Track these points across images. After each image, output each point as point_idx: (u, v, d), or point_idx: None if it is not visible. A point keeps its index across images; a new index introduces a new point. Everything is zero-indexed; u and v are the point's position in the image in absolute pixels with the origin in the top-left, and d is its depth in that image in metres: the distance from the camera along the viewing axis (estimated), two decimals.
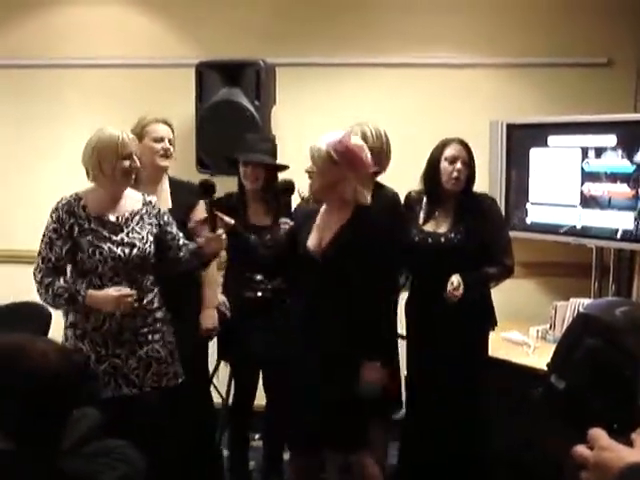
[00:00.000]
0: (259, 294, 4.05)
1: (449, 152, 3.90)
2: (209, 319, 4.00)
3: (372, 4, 5.08)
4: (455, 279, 3.74)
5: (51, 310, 4.24)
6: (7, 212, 5.39)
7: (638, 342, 2.35)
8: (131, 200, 3.47)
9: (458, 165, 3.88)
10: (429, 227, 3.97)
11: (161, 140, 3.93)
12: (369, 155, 3.37)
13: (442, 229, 3.94)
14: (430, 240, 3.93)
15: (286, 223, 3.95)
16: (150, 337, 3.43)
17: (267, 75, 4.74)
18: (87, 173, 3.40)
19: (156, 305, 3.48)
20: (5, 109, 5.37)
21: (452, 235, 3.90)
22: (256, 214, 4.12)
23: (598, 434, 1.54)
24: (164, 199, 3.94)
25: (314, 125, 4.92)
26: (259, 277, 4.03)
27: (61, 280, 3.34)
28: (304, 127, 4.97)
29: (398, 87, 5.10)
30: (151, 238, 3.45)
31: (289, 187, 4.14)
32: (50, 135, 5.34)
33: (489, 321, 4.03)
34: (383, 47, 5.08)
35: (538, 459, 4.18)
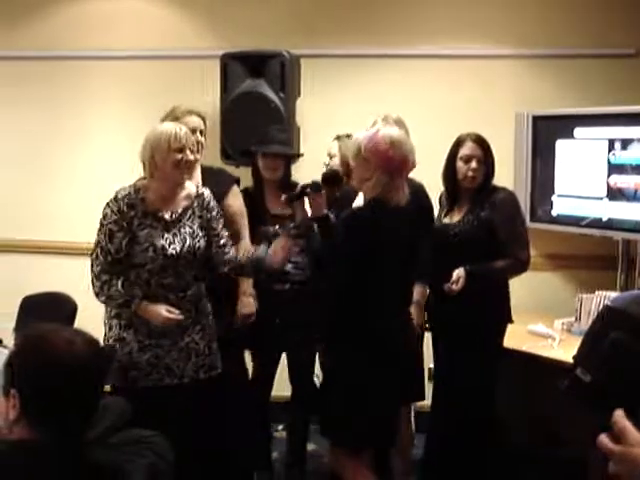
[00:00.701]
0: (287, 287, 4.05)
1: (463, 151, 3.90)
2: (247, 306, 3.99)
3: None
4: (456, 272, 3.74)
5: (77, 301, 4.30)
6: (38, 202, 5.43)
7: None
8: (185, 194, 3.48)
9: (473, 164, 3.88)
10: (447, 220, 4.01)
11: (193, 132, 3.82)
12: (403, 152, 3.33)
13: (454, 221, 3.95)
14: (440, 231, 3.96)
15: None
16: (191, 328, 3.46)
17: (292, 66, 4.74)
18: (143, 167, 3.41)
19: (196, 297, 3.50)
20: (35, 100, 5.41)
21: (462, 226, 3.91)
22: (276, 204, 4.12)
23: (627, 428, 1.53)
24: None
25: (339, 117, 4.93)
26: (287, 268, 4.03)
27: (119, 283, 3.34)
28: (329, 119, 4.97)
29: (423, 79, 5.09)
30: (201, 233, 3.46)
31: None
32: (79, 126, 5.38)
33: (502, 317, 4.00)
34: (408, 38, 5.06)
35: (564, 454, 4.18)
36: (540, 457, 4.31)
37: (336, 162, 4.20)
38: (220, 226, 3.55)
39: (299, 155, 4.28)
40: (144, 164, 3.40)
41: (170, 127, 3.39)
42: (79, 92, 5.35)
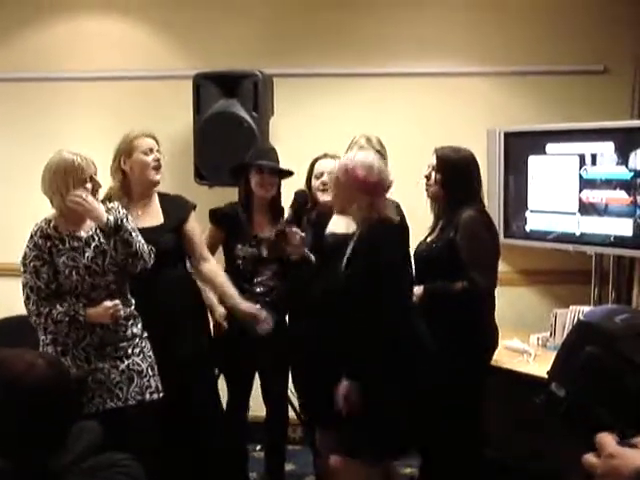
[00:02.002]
0: (258, 307, 4.04)
1: (425, 169, 3.92)
2: (220, 317, 4.03)
3: (369, 15, 5.08)
4: (415, 289, 3.75)
5: None
6: (8, 226, 5.38)
7: (638, 349, 2.35)
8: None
9: (430, 181, 3.88)
10: (428, 239, 3.98)
11: (151, 152, 3.88)
12: (379, 175, 3.41)
13: (429, 240, 3.95)
14: (417, 251, 3.95)
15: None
16: (130, 351, 3.47)
17: (265, 86, 4.75)
18: (51, 201, 3.41)
19: (132, 321, 3.52)
20: (7, 121, 5.38)
21: (433, 246, 3.88)
22: (260, 225, 4.11)
23: (605, 441, 1.54)
24: (155, 213, 3.92)
25: (312, 136, 4.95)
26: (259, 290, 4.03)
27: (58, 306, 3.35)
28: (302, 138, 4.98)
29: (396, 97, 5.11)
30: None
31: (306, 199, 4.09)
32: (52, 147, 5.30)
33: (479, 342, 3.87)
34: (380, 57, 5.09)
35: (543, 468, 4.18)
36: (519, 473, 4.31)
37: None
38: (133, 235, 3.50)
39: (292, 173, 4.24)
40: (50, 199, 3.41)
41: (71, 157, 3.37)
42: (52, 113, 5.32)
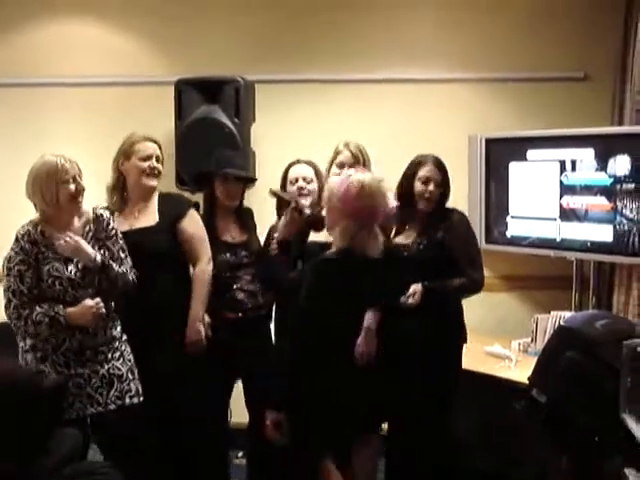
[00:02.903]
0: (240, 315, 4.03)
1: (422, 173, 3.90)
2: (193, 332, 3.88)
3: (350, 21, 5.09)
4: (413, 287, 3.74)
5: None
6: None
7: (618, 354, 2.37)
8: (84, 219, 3.48)
9: (430, 187, 3.88)
10: (398, 240, 3.98)
11: (148, 158, 3.88)
12: (374, 201, 3.40)
13: (407, 242, 3.96)
14: (395, 252, 3.93)
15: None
16: (110, 355, 3.46)
17: (246, 92, 4.75)
18: (35, 206, 3.41)
19: (111, 323, 3.51)
20: None
21: (415, 247, 3.90)
22: (228, 231, 4.10)
23: None
24: (151, 214, 3.91)
25: (294, 142, 4.95)
26: (240, 297, 4.02)
27: (37, 307, 3.32)
28: (284, 144, 4.98)
29: (377, 103, 5.12)
30: (99, 255, 3.43)
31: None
32: (33, 152, 5.27)
33: (460, 336, 3.98)
34: (361, 63, 5.10)
35: (523, 475, 4.20)
36: (498, 478, 4.32)
37: (314, 187, 4.11)
38: (116, 247, 3.53)
39: (255, 180, 4.26)
40: (33, 204, 3.40)
41: (53, 159, 3.36)
42: (33, 119, 5.28)
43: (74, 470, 1.93)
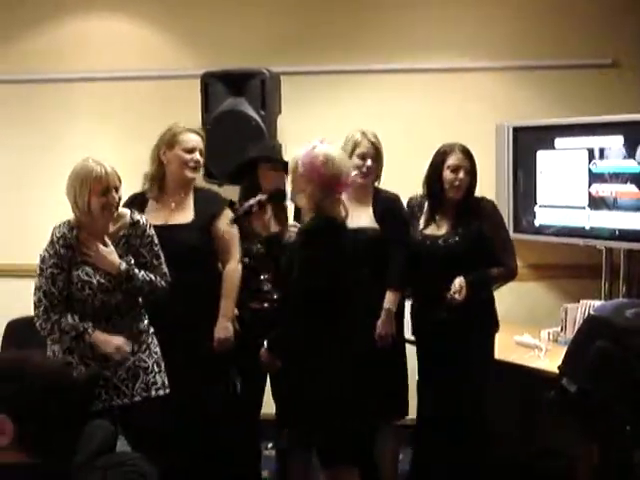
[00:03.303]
0: (265, 305, 4.04)
1: (451, 161, 3.90)
2: (221, 330, 3.90)
3: (376, 10, 5.08)
4: (458, 282, 3.75)
5: None
6: (15, 226, 5.40)
7: None
8: (120, 224, 3.48)
9: (460, 175, 3.88)
10: (429, 231, 3.99)
11: (192, 151, 3.87)
12: (336, 169, 3.37)
13: (441, 233, 3.95)
14: (429, 244, 3.95)
15: (295, 226, 3.89)
16: (136, 348, 3.46)
17: (272, 84, 4.75)
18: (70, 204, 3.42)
19: (138, 318, 3.53)
20: (15, 123, 5.39)
21: (450, 239, 3.90)
22: (263, 221, 4.12)
23: None
24: (188, 210, 3.92)
25: (320, 133, 4.87)
26: (266, 288, 4.02)
27: (68, 317, 3.35)
28: (310, 135, 4.89)
29: (404, 92, 5.11)
30: (127, 261, 3.45)
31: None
32: (60, 148, 5.34)
33: (492, 324, 4.01)
34: (388, 53, 5.09)
35: (553, 464, 4.18)
36: (527, 468, 4.31)
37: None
38: (151, 254, 3.53)
39: None
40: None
41: (93, 168, 3.32)
42: (60, 114, 5.33)
43: (106, 461, 1.94)
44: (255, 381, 4.16)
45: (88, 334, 3.32)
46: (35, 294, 3.40)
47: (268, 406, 4.28)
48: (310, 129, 4.99)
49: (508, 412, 4.42)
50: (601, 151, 4.48)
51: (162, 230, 3.71)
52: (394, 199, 4.07)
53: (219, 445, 3.96)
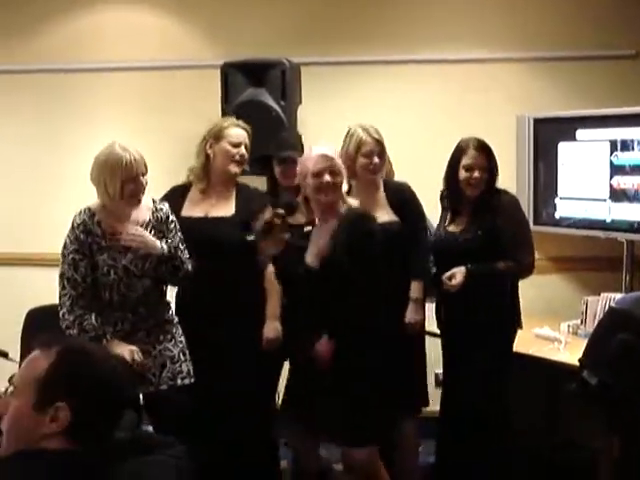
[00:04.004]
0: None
1: (465, 161, 3.86)
2: (271, 331, 3.84)
3: (395, 2, 5.06)
4: (454, 270, 3.76)
5: None
6: (36, 215, 5.43)
7: None
8: (143, 209, 3.47)
9: (475, 174, 3.84)
10: (450, 228, 3.99)
11: (239, 145, 3.85)
12: (308, 164, 3.45)
13: (459, 229, 3.94)
14: (446, 240, 3.96)
15: None
16: (161, 337, 3.49)
17: (292, 74, 4.74)
18: (97, 192, 3.43)
19: (162, 307, 3.55)
20: (32, 113, 5.41)
21: (466, 235, 3.89)
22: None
23: None
24: (229, 204, 3.89)
25: (340, 124, 4.91)
26: None
27: (92, 318, 3.35)
28: (330, 126, 4.96)
29: (423, 84, 5.09)
30: (166, 243, 3.47)
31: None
32: (78, 138, 5.37)
33: (512, 321, 3.96)
34: (408, 44, 5.07)
35: (575, 456, 4.17)
36: (548, 460, 4.30)
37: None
38: (176, 239, 3.52)
39: None
40: (96, 190, 3.41)
41: (121, 154, 3.33)
42: (78, 104, 5.34)
43: (139, 446, 1.96)
44: (272, 371, 4.16)
45: (106, 339, 3.32)
46: (60, 281, 3.41)
47: None
48: (330, 120, 5.00)
49: (530, 404, 4.41)
50: (623, 143, 4.45)
51: (201, 222, 3.74)
52: (404, 189, 4.04)
53: (237, 436, 3.95)
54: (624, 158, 4.45)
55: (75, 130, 5.36)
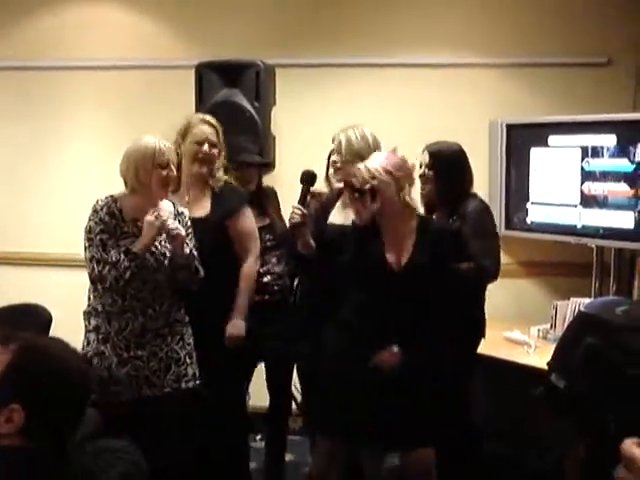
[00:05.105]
0: (266, 297, 4.03)
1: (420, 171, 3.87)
2: (234, 327, 3.80)
3: (371, 6, 5.08)
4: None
5: (51, 313, 4.27)
6: (12, 214, 5.40)
7: (638, 341, 2.36)
8: (165, 211, 3.41)
9: (422, 170, 3.88)
10: None
11: (202, 143, 3.77)
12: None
13: None
14: None
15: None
16: (170, 339, 3.44)
17: (267, 76, 4.74)
18: (125, 183, 3.39)
19: (175, 307, 3.49)
20: (11, 110, 5.40)
21: None
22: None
23: (633, 452, 1.57)
24: (204, 204, 3.83)
25: (314, 126, 4.95)
26: (266, 279, 4.01)
27: (111, 251, 3.30)
28: (304, 128, 4.99)
29: (397, 87, 5.11)
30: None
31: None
32: (56, 136, 5.36)
33: (477, 333, 3.96)
34: (383, 47, 5.08)
35: (543, 460, 4.19)
36: (516, 464, 4.32)
37: None
38: (192, 243, 3.51)
39: (270, 164, 4.22)
40: (125, 180, 3.38)
41: (152, 141, 3.34)
42: (54, 102, 5.33)
43: (97, 446, 1.95)
44: (244, 373, 4.16)
45: (135, 247, 3.28)
46: (89, 266, 3.35)
47: (258, 399, 4.30)
48: (304, 122, 5.02)
49: (498, 407, 4.44)
50: (594, 149, 4.49)
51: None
52: None
53: (208, 437, 3.93)
54: (595, 164, 4.49)
55: (49, 127, 5.34)
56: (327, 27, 5.11)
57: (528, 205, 4.83)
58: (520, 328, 4.52)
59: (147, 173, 3.31)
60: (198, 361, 3.57)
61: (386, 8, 5.07)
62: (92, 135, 5.32)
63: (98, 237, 3.33)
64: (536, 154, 4.77)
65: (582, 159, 4.54)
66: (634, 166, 4.30)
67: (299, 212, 3.58)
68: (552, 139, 4.69)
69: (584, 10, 4.94)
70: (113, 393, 3.32)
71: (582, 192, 4.56)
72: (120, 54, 5.26)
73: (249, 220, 3.90)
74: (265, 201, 4.19)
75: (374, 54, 5.09)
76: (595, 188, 4.50)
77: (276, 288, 4.05)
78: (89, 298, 3.46)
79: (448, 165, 3.90)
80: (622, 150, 4.35)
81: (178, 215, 3.48)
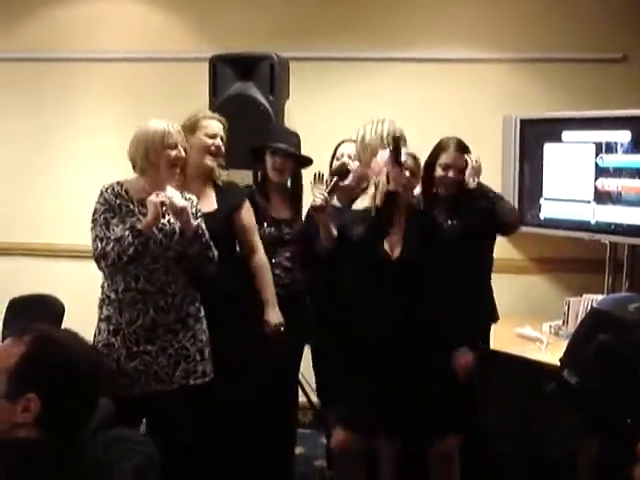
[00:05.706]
0: (276, 290, 4.03)
1: (444, 159, 3.87)
2: (275, 316, 3.83)
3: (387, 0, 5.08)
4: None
5: (64, 303, 4.29)
6: (25, 206, 5.42)
7: None
8: (170, 191, 3.38)
9: (450, 174, 3.86)
10: None
11: (214, 137, 3.79)
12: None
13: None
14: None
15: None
16: (181, 334, 3.41)
17: (281, 69, 4.73)
18: (133, 166, 3.39)
19: (189, 300, 3.47)
20: (22, 102, 5.41)
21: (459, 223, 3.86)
22: (277, 207, 4.10)
23: None
24: (209, 199, 3.83)
25: (327, 119, 4.95)
26: (277, 271, 4.00)
27: (115, 229, 3.29)
28: (317, 121, 4.98)
29: (411, 82, 5.10)
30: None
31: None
32: (67, 128, 5.38)
33: (490, 315, 3.99)
34: (396, 41, 5.08)
35: (555, 456, 4.19)
36: (528, 459, 4.32)
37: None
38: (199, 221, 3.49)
39: (311, 161, 4.20)
40: (133, 162, 3.39)
41: (161, 124, 3.36)
42: (66, 94, 5.35)
43: (108, 437, 1.96)
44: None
45: (139, 224, 3.26)
46: (93, 246, 3.33)
47: None
48: (318, 115, 5.02)
49: (508, 404, 4.43)
50: (608, 145, 4.47)
51: None
52: None
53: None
54: (609, 160, 4.47)
55: (61, 120, 5.36)
56: (341, 21, 5.10)
57: (541, 201, 4.82)
58: (532, 324, 4.51)
59: (157, 154, 3.32)
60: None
61: (400, 3, 5.07)
62: (103, 127, 5.33)
63: (102, 216, 3.32)
64: (550, 150, 4.76)
65: (596, 155, 4.52)
66: None
67: (322, 196, 3.60)
68: (566, 135, 4.67)
69: (599, 6, 4.92)
70: (123, 386, 3.32)
71: (596, 188, 4.55)
72: (133, 47, 5.28)
73: (250, 214, 3.92)
74: (298, 196, 4.18)
75: (387, 48, 5.08)
76: (609, 184, 4.49)
77: (286, 280, 4.05)
78: (102, 287, 3.45)
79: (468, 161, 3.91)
80: (636, 146, 4.34)
81: (187, 200, 3.44)
